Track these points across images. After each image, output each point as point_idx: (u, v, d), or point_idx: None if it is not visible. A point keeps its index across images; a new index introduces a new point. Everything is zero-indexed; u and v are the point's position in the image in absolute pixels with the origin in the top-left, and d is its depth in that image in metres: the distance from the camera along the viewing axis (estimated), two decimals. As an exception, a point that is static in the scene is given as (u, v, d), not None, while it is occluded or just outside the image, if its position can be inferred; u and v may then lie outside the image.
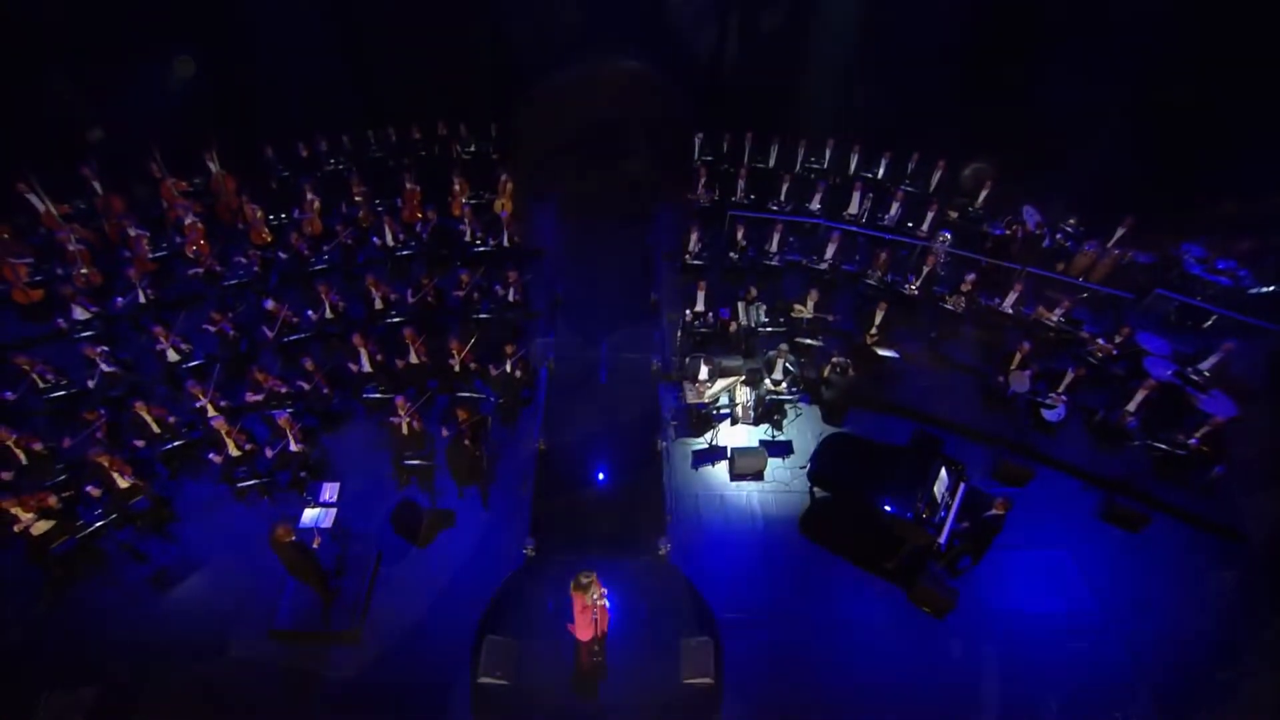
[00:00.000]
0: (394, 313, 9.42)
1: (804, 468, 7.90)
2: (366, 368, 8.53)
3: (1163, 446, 8.11)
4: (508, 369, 8.51)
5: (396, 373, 8.64)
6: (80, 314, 8.86)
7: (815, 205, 11.56)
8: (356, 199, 10.99)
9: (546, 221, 12.08)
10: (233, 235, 10.76)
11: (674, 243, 11.30)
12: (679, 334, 9.58)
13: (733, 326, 9.56)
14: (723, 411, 8.79)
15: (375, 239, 10.60)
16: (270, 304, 8.84)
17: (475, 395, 8.56)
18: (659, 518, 7.72)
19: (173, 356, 8.43)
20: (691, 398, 8.44)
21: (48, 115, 10.88)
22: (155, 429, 7.70)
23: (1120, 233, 10.51)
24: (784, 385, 8.66)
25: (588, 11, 12.72)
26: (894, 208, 11.15)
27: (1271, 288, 9.98)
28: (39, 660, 6.42)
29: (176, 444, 7.69)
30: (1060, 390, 8.59)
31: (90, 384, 8.07)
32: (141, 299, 9.23)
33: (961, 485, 7.35)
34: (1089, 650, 6.86)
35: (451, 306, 9.80)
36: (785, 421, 8.84)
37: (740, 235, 10.54)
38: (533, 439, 8.43)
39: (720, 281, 10.43)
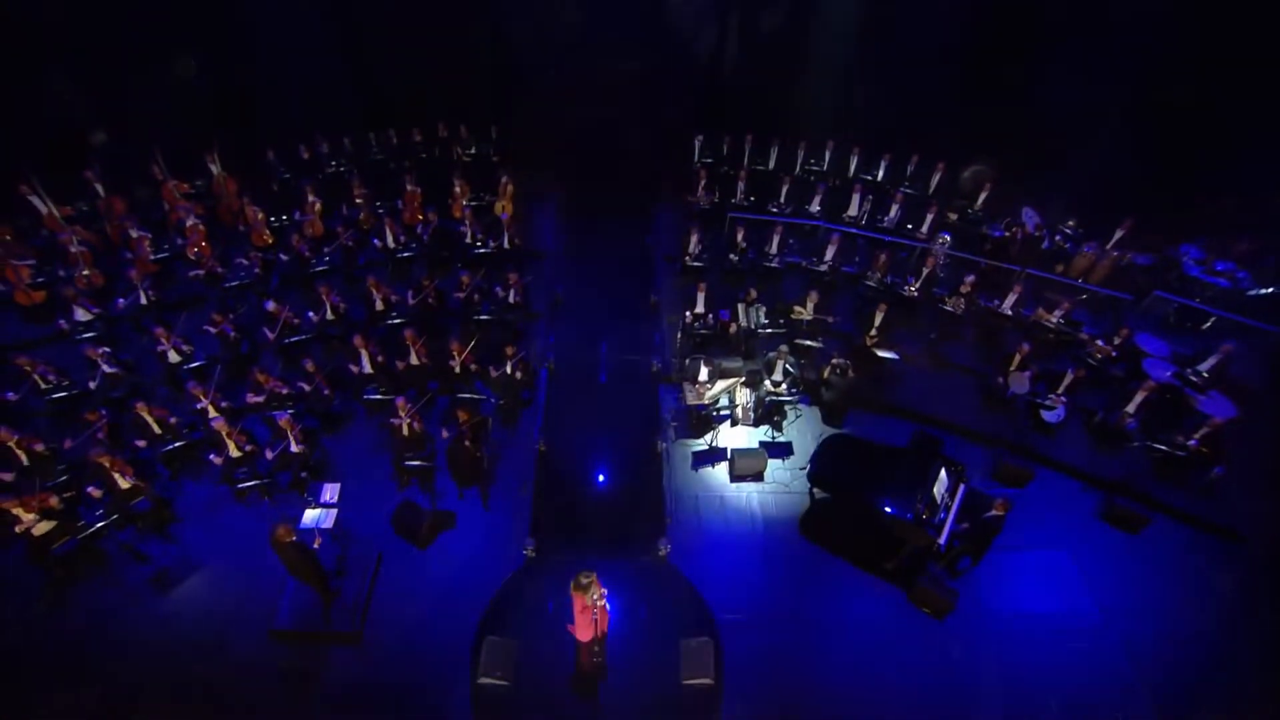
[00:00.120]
0: (395, 314, 9.45)
1: (804, 469, 7.91)
2: (367, 369, 8.55)
3: (1162, 447, 8.11)
4: (508, 370, 8.53)
5: (397, 374, 8.66)
6: (82, 315, 8.88)
7: (815, 207, 11.59)
8: (357, 201, 11.02)
9: (547, 223, 12.11)
10: (234, 237, 10.80)
11: (674, 244, 11.34)
12: (679, 335, 9.60)
13: (733, 328, 9.58)
14: (723, 413, 8.81)
15: (376, 241, 10.63)
16: (271, 305, 8.86)
17: (476, 396, 8.58)
18: (659, 519, 7.73)
19: (174, 358, 8.45)
20: (691, 399, 8.46)
21: (50, 117, 10.93)
22: (156, 430, 7.72)
23: (1119, 234, 10.54)
24: (784, 386, 8.67)
25: (588, 13, 12.76)
26: (893, 210, 11.17)
27: (1270, 289, 9.99)
28: (40, 660, 6.43)
29: (177, 445, 7.71)
30: (1060, 391, 8.60)
31: (92, 385, 8.09)
32: (143, 300, 9.26)
33: (961, 486, 7.36)
34: (1088, 651, 6.86)
35: (452, 308, 9.82)
36: (785, 423, 8.86)
37: (740, 237, 10.57)
38: (533, 440, 8.45)
39: (720, 283, 10.45)
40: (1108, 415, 8.51)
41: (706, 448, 8.56)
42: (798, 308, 9.39)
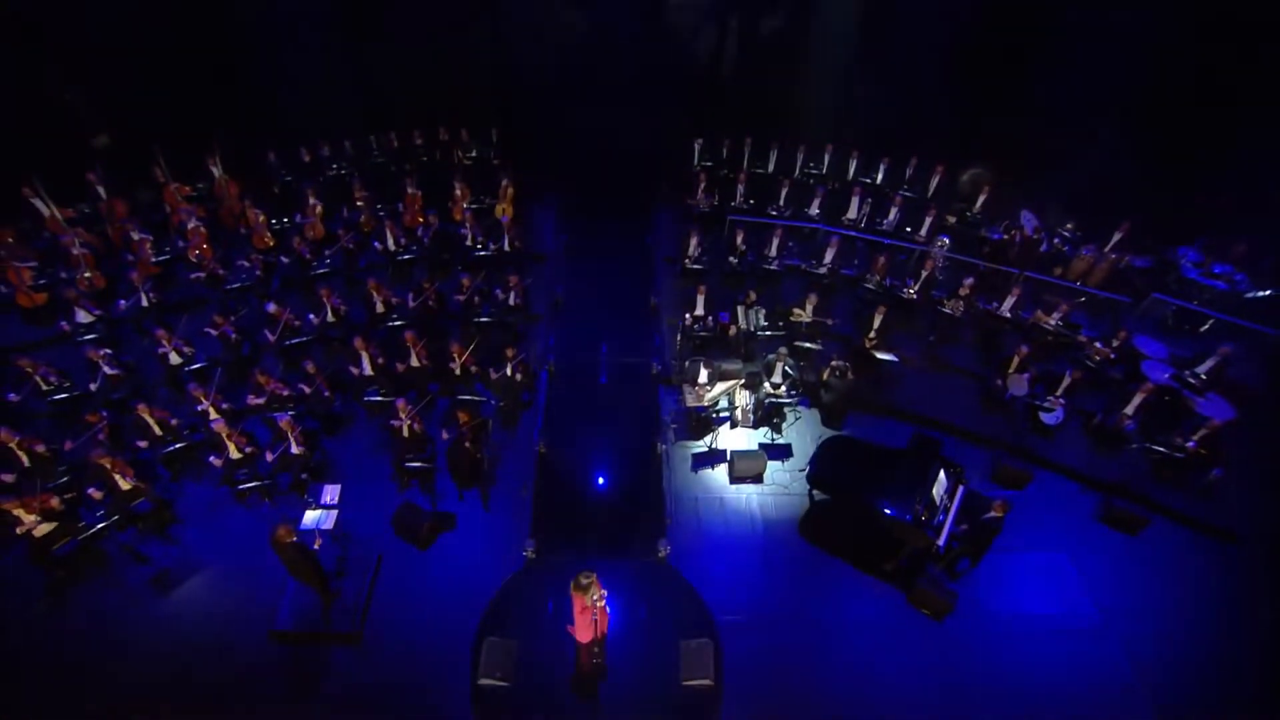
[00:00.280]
0: (395, 316, 9.47)
1: (803, 470, 7.92)
2: (368, 371, 8.58)
3: (1161, 449, 8.13)
4: (508, 372, 8.56)
5: (397, 376, 8.68)
6: (83, 317, 8.91)
7: (814, 210, 11.64)
8: (358, 204, 11.06)
9: (547, 226, 12.16)
10: (235, 239, 10.84)
11: (674, 247, 11.38)
12: (679, 338, 9.62)
13: (732, 330, 9.61)
14: (722, 415, 8.83)
15: (377, 243, 10.67)
16: (272, 307, 8.89)
17: (476, 398, 8.60)
18: (658, 520, 7.75)
19: (175, 359, 8.48)
20: (691, 401, 8.48)
21: (53, 120, 10.98)
22: (157, 431, 7.74)
23: (1117, 237, 10.58)
24: (783, 388, 8.69)
25: (588, 16, 12.83)
26: (892, 213, 11.22)
27: (1268, 292, 10.02)
28: (40, 661, 6.43)
29: (178, 446, 7.72)
30: (1058, 393, 8.63)
31: (93, 387, 8.11)
32: (144, 302, 9.28)
33: (960, 488, 7.38)
34: (1087, 652, 6.86)
35: (452, 310, 9.85)
36: (784, 424, 8.88)
37: (740, 240, 10.60)
38: (533, 442, 8.47)
39: (720, 286, 10.49)
40: (1106, 417, 8.54)
41: (706, 449, 8.58)
42: (797, 310, 9.43)
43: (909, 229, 11.19)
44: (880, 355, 9.04)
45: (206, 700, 6.25)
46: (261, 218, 10.56)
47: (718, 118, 12.96)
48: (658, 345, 9.93)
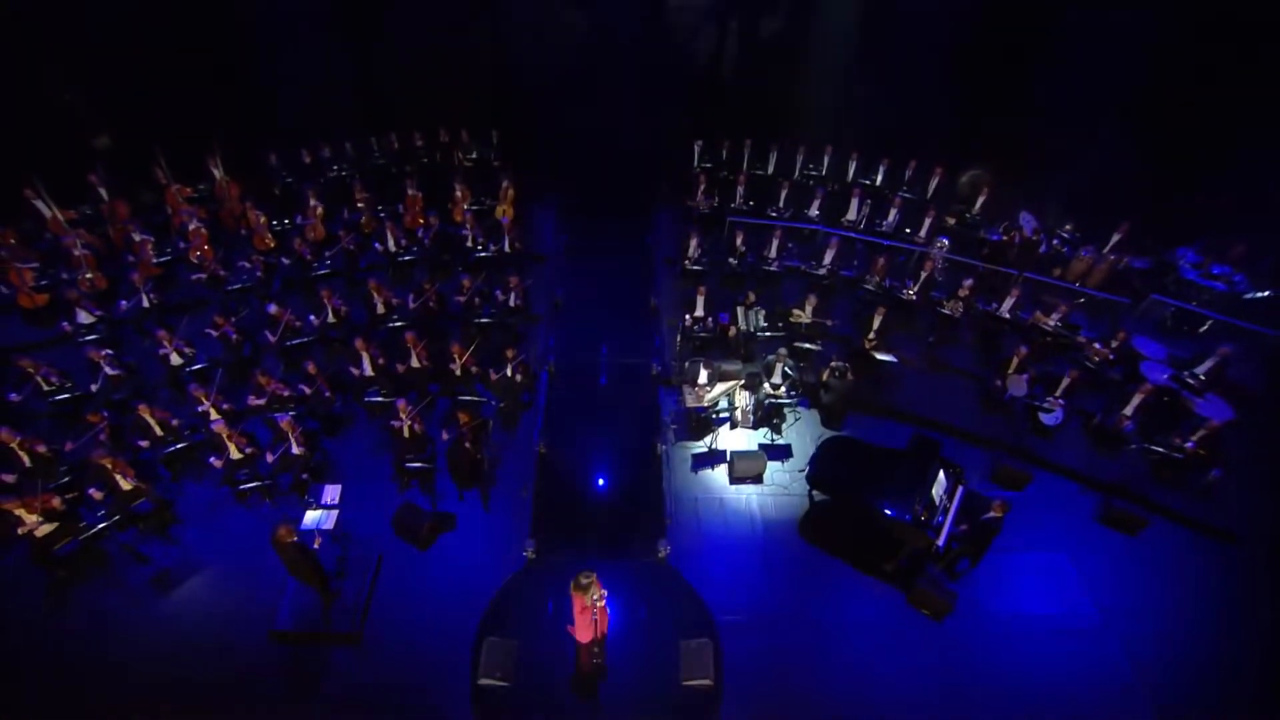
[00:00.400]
0: (396, 317, 9.50)
1: (803, 471, 7.93)
2: (368, 371, 8.59)
3: (1160, 450, 8.14)
4: (508, 373, 8.57)
5: (398, 376, 8.70)
6: (85, 318, 8.93)
7: (814, 211, 11.66)
8: (359, 205, 11.09)
9: (547, 227, 12.18)
10: (236, 241, 10.86)
11: (674, 248, 11.41)
12: (678, 338, 9.64)
13: (732, 331, 9.63)
14: (722, 415, 8.84)
15: (377, 244, 10.70)
16: (273, 308, 8.91)
17: (476, 399, 8.61)
18: (658, 520, 7.76)
19: (176, 360, 8.49)
20: (691, 401, 8.49)
21: (54, 122, 11.01)
22: (158, 432, 7.76)
23: (1116, 238, 10.60)
24: (783, 389, 8.71)
25: (588, 17, 12.87)
26: (892, 214, 11.24)
27: (1266, 293, 10.05)
28: (41, 661, 6.44)
29: (179, 447, 7.74)
30: (1057, 394, 8.65)
31: (94, 387, 8.13)
32: (145, 303, 9.30)
33: (960, 488, 7.39)
34: (1087, 652, 6.87)
35: (453, 311, 9.86)
36: (784, 425, 8.89)
37: (739, 241, 10.63)
38: (533, 442, 8.48)
39: (720, 287, 10.52)
40: (1106, 418, 8.55)
41: (706, 450, 8.60)
42: (797, 311, 9.45)
43: (908, 230, 11.21)
44: (880, 356, 9.06)
45: (206, 700, 6.25)
46: (262, 219, 10.59)
47: (718, 119, 13.00)
48: (657, 346, 9.95)
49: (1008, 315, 9.76)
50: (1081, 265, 10.60)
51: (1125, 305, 10.25)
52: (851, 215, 11.48)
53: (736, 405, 8.69)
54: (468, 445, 7.65)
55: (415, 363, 8.72)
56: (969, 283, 9.73)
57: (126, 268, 9.88)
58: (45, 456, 7.33)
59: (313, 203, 10.83)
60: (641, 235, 12.17)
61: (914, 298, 10.04)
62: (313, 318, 9.20)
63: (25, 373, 7.94)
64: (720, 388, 8.56)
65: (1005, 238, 10.98)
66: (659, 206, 12.60)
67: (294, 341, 8.97)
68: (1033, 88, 11.49)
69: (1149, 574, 7.53)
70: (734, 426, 8.74)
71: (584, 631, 6.02)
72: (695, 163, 12.55)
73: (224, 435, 7.49)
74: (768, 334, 9.46)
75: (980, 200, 11.52)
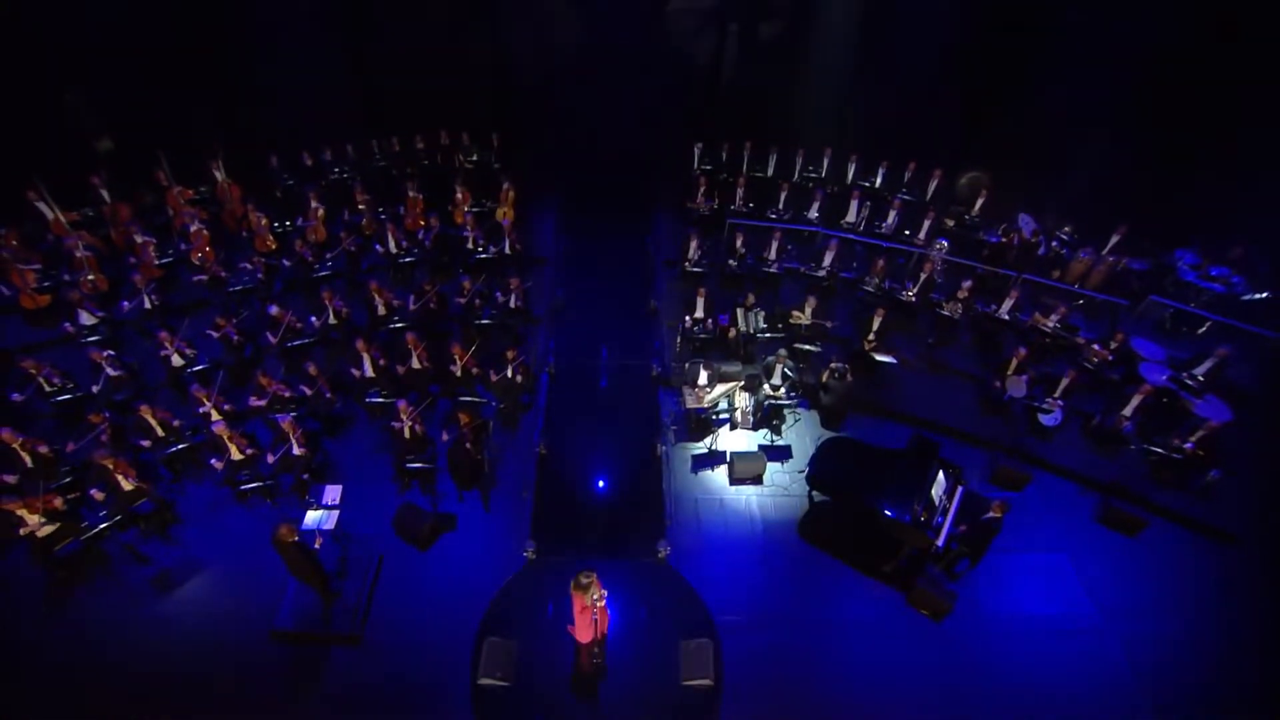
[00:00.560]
0: (397, 318, 9.52)
1: (803, 472, 7.95)
2: (369, 372, 8.61)
3: (1159, 450, 8.16)
4: (509, 374, 8.60)
5: (399, 377, 8.72)
6: (87, 319, 8.96)
7: (813, 213, 11.69)
8: (360, 207, 11.13)
9: (547, 229, 12.22)
10: (237, 242, 10.90)
11: (674, 250, 11.44)
12: (678, 340, 9.67)
13: (732, 332, 9.65)
14: (722, 416, 8.86)
15: (378, 246, 10.73)
16: (274, 310, 8.94)
17: (476, 400, 8.62)
18: (658, 521, 7.77)
19: (177, 361, 8.51)
20: (691, 403, 8.51)
21: (56, 124, 11.05)
22: (159, 432, 7.78)
23: (1115, 240, 10.64)
24: (783, 390, 8.73)
25: (588, 22, 12.93)
26: (891, 216, 11.27)
27: (1264, 294, 10.08)
28: (42, 661, 6.45)
29: (180, 447, 7.76)
30: (1056, 395, 8.67)
31: (95, 388, 8.15)
32: (147, 304, 9.32)
33: (959, 488, 7.41)
34: (1086, 653, 6.88)
35: (453, 312, 9.89)
36: (784, 426, 8.91)
37: (739, 243, 10.66)
38: (533, 443, 8.50)
39: (720, 288, 10.56)
40: (1104, 419, 8.57)
41: (706, 451, 8.62)
42: (796, 312, 9.47)
43: (908, 232, 11.24)
44: (879, 357, 9.09)
45: (207, 700, 6.26)
46: (264, 221, 10.63)
47: (717, 121, 13.05)
48: (657, 347, 9.97)
49: (1007, 316, 9.78)
50: (1080, 267, 10.63)
51: (1124, 306, 10.28)
52: (851, 217, 11.52)
53: (736, 406, 8.71)
54: (468, 446, 7.67)
55: (416, 364, 8.75)
56: (968, 284, 9.76)
57: (128, 269, 9.91)
58: (47, 457, 7.35)
59: (314, 205, 10.87)
60: (641, 237, 12.21)
61: (913, 299, 10.07)
62: (314, 319, 9.22)
63: (27, 373, 7.96)
64: (720, 389, 8.58)
65: (1004, 239, 11.02)
66: (659, 208, 12.63)
67: (295, 343, 8.99)
68: (1031, 90, 11.54)
69: (1148, 574, 7.54)
70: (734, 427, 8.76)
71: (584, 631, 6.03)
72: (695, 165, 12.58)
73: (225, 436, 7.51)
74: (767, 335, 9.49)
75: (979, 202, 11.56)
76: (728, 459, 8.40)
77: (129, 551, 7.17)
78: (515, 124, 13.22)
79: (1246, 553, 7.76)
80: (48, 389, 8.05)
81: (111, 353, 8.36)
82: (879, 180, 12.19)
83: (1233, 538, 7.85)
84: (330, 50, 12.46)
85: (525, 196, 12.00)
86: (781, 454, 8.61)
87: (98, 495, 7.00)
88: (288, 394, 8.22)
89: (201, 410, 7.96)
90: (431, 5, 12.36)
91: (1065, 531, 7.87)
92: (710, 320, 9.66)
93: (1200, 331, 10.23)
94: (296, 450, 7.69)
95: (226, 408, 8.12)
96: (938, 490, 7.18)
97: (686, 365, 9.04)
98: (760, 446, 8.64)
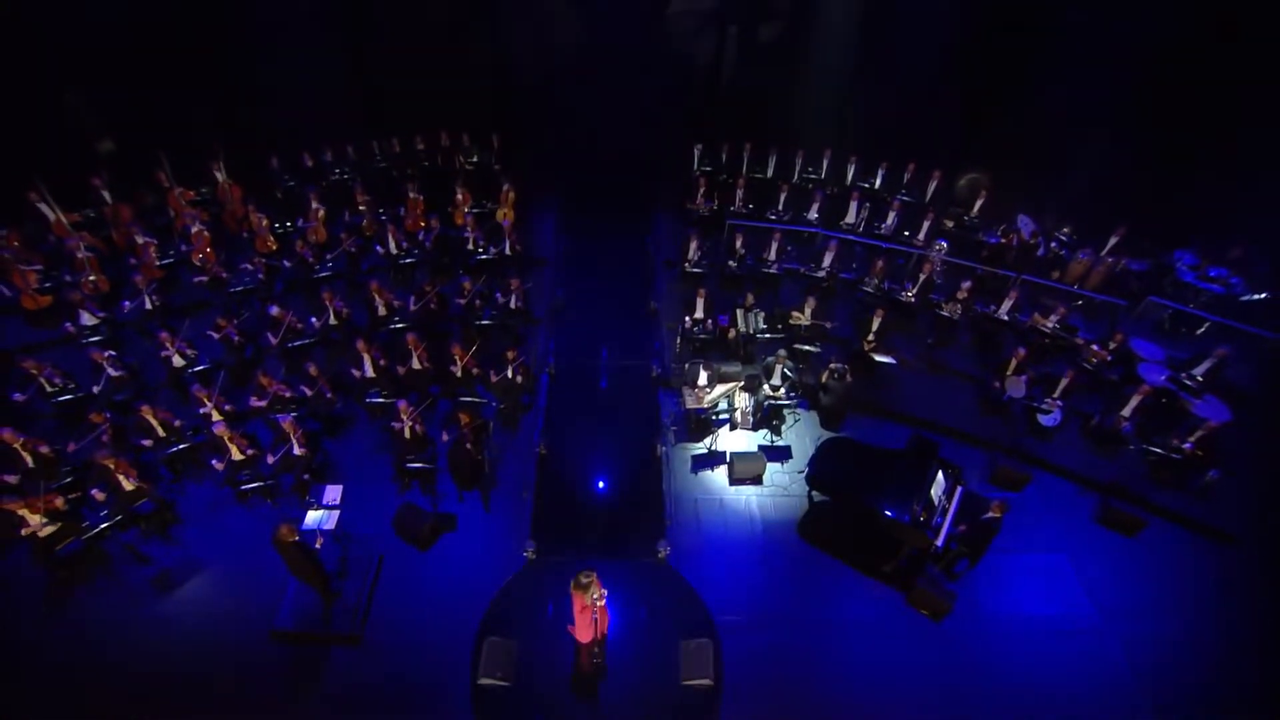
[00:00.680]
0: (397, 319, 9.54)
1: (802, 472, 7.96)
2: (369, 373, 8.63)
3: (1158, 451, 8.17)
4: (509, 374, 8.61)
5: (399, 378, 8.74)
6: (88, 319, 8.97)
7: (813, 214, 11.71)
8: (360, 208, 11.15)
9: (548, 230, 12.24)
10: (238, 243, 10.92)
11: (674, 251, 11.46)
12: (678, 340, 9.69)
13: (731, 333, 9.67)
14: (722, 417, 8.88)
15: (379, 247, 10.75)
16: (275, 310, 8.96)
17: (477, 400, 8.63)
18: (658, 521, 7.78)
19: (178, 362, 8.53)
20: (691, 403, 8.52)
21: (58, 125, 11.08)
22: (160, 432, 7.80)
23: (1113, 241, 10.66)
24: (782, 391, 8.75)
25: (588, 24, 12.96)
26: (890, 217, 11.29)
27: (1263, 295, 10.10)
28: (42, 661, 6.46)
29: (181, 447, 7.77)
30: (1055, 395, 8.68)
31: (96, 388, 8.16)
32: (148, 305, 9.34)
33: (959, 489, 7.42)
34: (1086, 653, 6.89)
35: (454, 313, 9.91)
36: (784, 427, 8.93)
37: (739, 243, 10.68)
38: (533, 443, 8.51)
39: (719, 289, 10.57)
40: (1104, 419, 8.59)
41: (706, 451, 8.63)
42: (796, 313, 9.49)
43: (907, 233, 11.26)
44: (879, 358, 9.11)
45: (207, 700, 6.26)
46: (264, 222, 10.65)
47: (717, 122, 13.08)
48: (657, 348, 9.99)
49: (1006, 317, 9.80)
50: (1079, 267, 10.66)
51: (1123, 307, 10.30)
52: (850, 218, 11.54)
53: (736, 407, 8.73)
54: (468, 446, 7.68)
55: (416, 364, 8.76)
56: (967, 285, 9.78)
57: (129, 270, 9.93)
58: (48, 457, 7.36)
59: (314, 206, 10.89)
60: (641, 237, 12.23)
61: (913, 300, 10.09)
62: (314, 320, 9.24)
63: (29, 374, 7.98)
64: (720, 389, 8.59)
65: (1003, 240, 11.05)
66: (659, 209, 12.66)
67: (295, 343, 9.01)
68: (1031, 90, 11.56)
69: (1147, 575, 7.55)
70: (734, 428, 8.78)
71: (584, 631, 6.04)
72: (695, 166, 12.61)
73: (226, 437, 7.52)
74: (767, 336, 9.50)
75: (978, 203, 11.58)
76: (727, 459, 8.42)
77: (129, 551, 7.18)
78: (515, 124, 13.24)
79: (1245, 553, 7.76)
80: (49, 389, 8.07)
81: (113, 353, 8.38)
82: (878, 181, 12.21)
83: (1232, 538, 7.86)
84: (330, 50, 12.48)
85: (525, 197, 12.03)
86: (781, 454, 8.62)
87: (98, 495, 7.02)
88: (288, 394, 8.24)
89: (202, 411, 7.98)
90: (431, 5, 12.39)
91: (1064, 532, 7.88)
92: (710, 321, 9.68)
93: (1199, 332, 10.25)
94: (297, 450, 7.70)
95: (227, 408, 8.14)
96: (937, 490, 7.19)
97: (686, 366, 9.06)
98: (760, 447, 8.66)
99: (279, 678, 6.47)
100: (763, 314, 9.71)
